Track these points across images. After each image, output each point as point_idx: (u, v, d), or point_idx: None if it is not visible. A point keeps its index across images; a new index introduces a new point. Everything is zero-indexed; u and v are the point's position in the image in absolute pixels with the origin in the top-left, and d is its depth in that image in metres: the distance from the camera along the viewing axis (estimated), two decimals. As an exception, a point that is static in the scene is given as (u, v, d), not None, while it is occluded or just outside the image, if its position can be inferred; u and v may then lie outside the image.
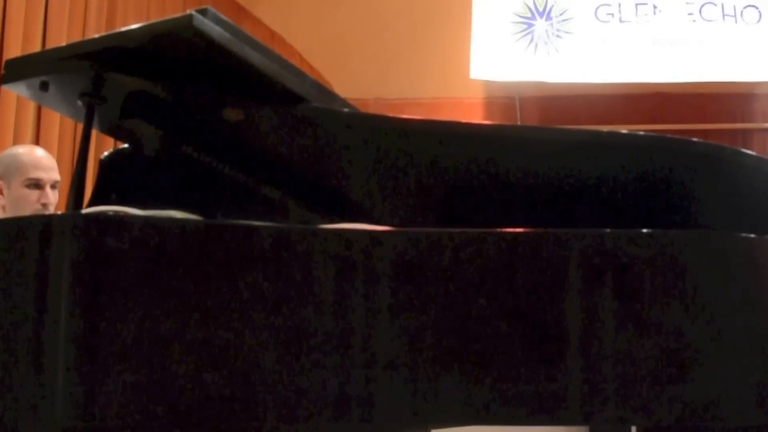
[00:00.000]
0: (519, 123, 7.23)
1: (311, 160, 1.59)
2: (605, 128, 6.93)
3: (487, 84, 6.87)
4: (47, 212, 2.54)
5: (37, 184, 2.58)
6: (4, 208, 2.58)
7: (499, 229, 1.29)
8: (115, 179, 1.80)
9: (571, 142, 1.48)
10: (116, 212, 1.30)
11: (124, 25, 1.46)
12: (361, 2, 6.94)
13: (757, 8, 6.57)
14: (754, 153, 1.50)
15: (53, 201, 2.61)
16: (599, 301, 1.30)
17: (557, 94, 6.98)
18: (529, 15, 6.65)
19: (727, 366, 1.33)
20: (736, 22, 6.56)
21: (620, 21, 6.61)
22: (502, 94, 7.19)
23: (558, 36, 6.59)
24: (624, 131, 1.48)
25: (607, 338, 1.29)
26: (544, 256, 1.28)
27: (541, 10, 6.64)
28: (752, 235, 1.39)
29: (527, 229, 1.31)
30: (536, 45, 6.60)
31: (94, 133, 1.62)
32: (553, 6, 6.64)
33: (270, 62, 1.38)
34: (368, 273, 1.24)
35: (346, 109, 1.51)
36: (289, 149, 1.57)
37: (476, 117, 7.28)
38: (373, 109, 7.35)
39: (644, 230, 1.34)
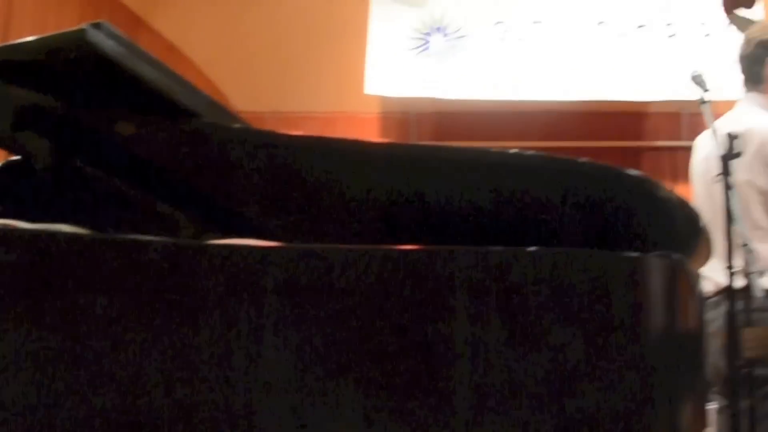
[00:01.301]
0: (414, 138, 7.31)
1: (202, 175, 1.61)
2: (499, 145, 7.14)
3: (383, 99, 6.93)
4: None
5: None
6: None
7: (386, 246, 1.32)
8: (6, 192, 1.78)
9: (462, 161, 1.52)
10: (3, 225, 1.30)
11: (20, 37, 1.46)
12: (259, 16, 6.93)
13: (649, 30, 6.80)
14: (636, 173, 1.55)
15: None
16: (484, 318, 1.33)
17: (453, 110, 7.08)
18: (426, 31, 6.72)
19: (611, 385, 1.38)
20: (628, 42, 6.78)
21: (516, 39, 6.74)
22: (398, 110, 7.27)
23: (453, 52, 6.68)
24: (510, 150, 1.51)
25: (492, 356, 1.32)
26: (431, 274, 1.31)
27: (437, 26, 6.71)
28: (635, 254, 1.44)
29: (414, 246, 1.34)
30: (432, 61, 6.66)
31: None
32: (449, 22, 6.72)
33: (163, 77, 1.40)
34: (255, 289, 1.26)
35: (236, 125, 1.53)
36: (181, 164, 1.58)
37: (371, 132, 7.34)
38: (269, 123, 7.38)
39: (529, 248, 1.38)
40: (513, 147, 5.91)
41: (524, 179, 1.52)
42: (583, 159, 1.53)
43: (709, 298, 2.82)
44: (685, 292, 1.56)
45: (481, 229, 1.53)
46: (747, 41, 3.07)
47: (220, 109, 1.56)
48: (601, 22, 6.78)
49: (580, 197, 1.54)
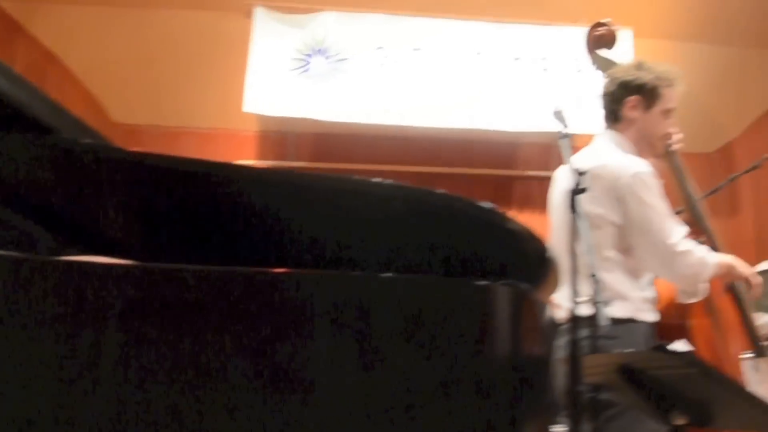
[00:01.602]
0: (292, 159, 7.34)
1: (62, 191, 1.60)
2: (377, 169, 7.22)
3: (262, 118, 6.93)
4: None
5: None
6: None
7: (241, 268, 1.33)
8: None
9: (319, 188, 1.54)
10: None
11: None
12: (140, 27, 6.84)
13: (525, 62, 6.99)
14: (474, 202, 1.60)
15: None
16: (336, 343, 1.35)
17: (332, 132, 7.14)
18: (308, 52, 6.75)
19: (456, 409, 1.43)
20: (504, 73, 6.96)
21: (396, 65, 6.84)
22: (276, 129, 7.29)
23: (334, 75, 6.72)
24: (370, 179, 1.54)
25: (343, 381, 1.35)
26: (286, 297, 1.34)
27: (319, 48, 6.75)
28: (484, 283, 1.48)
29: (270, 270, 1.37)
30: (312, 82, 6.68)
31: None
32: (331, 45, 6.76)
33: (20, 91, 1.40)
34: (101, 307, 1.25)
35: (95, 142, 1.52)
36: (39, 180, 1.57)
37: (249, 150, 7.35)
38: (147, 136, 7.31)
39: (383, 275, 1.41)
40: (391, 171, 6.05)
41: (380, 208, 1.56)
42: (440, 190, 1.57)
43: (562, 324, 2.94)
44: (530, 320, 1.63)
45: (339, 254, 1.56)
46: (611, 80, 3.21)
47: (81, 126, 1.56)
48: (479, 53, 6.94)
49: (434, 226, 1.59)
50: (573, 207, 2.21)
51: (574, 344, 1.93)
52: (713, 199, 8.63)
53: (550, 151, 7.13)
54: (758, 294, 3.16)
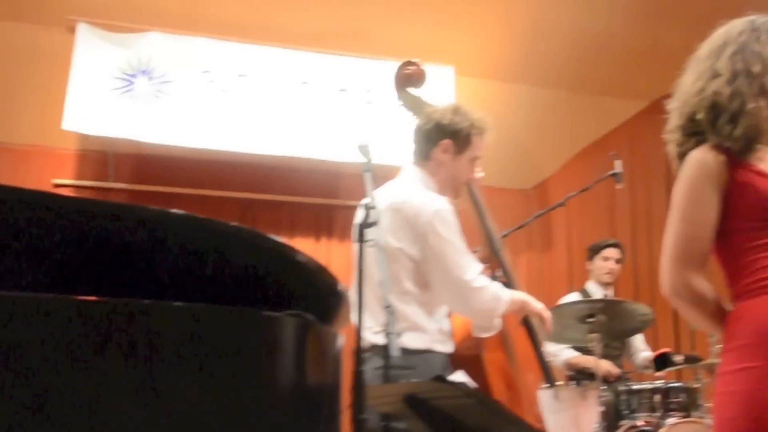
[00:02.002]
0: (111, 179, 7.23)
1: None
2: (198, 193, 7.21)
3: (82, 136, 6.80)
4: None
5: None
6: None
7: (34, 294, 1.35)
8: None
9: (126, 215, 1.57)
10: None
11: None
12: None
13: (349, 94, 7.15)
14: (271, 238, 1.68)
15: None
16: (120, 368, 1.39)
17: (153, 154, 7.08)
18: (132, 72, 6.67)
19: None
20: (329, 104, 7.09)
21: (220, 89, 6.86)
22: (97, 148, 7.17)
23: (157, 97, 6.67)
24: (174, 211, 1.57)
25: (123, 407, 1.39)
26: (73, 323, 1.36)
27: (143, 68, 6.68)
28: (272, 313, 1.56)
29: (63, 296, 1.39)
30: (135, 103, 6.61)
31: None
32: (155, 66, 6.71)
33: None
34: None
35: None
36: None
37: (67, 169, 7.19)
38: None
39: (175, 303, 1.45)
40: (213, 197, 6.04)
41: (185, 238, 1.60)
42: (235, 224, 1.64)
43: (363, 353, 3.05)
44: (317, 350, 1.71)
45: (121, 280, 1.59)
46: (428, 118, 3.31)
47: None
48: (305, 82, 7.05)
49: (223, 257, 1.65)
50: (361, 239, 2.32)
51: (357, 375, 2.03)
52: (529, 234, 9.07)
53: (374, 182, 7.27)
54: (550, 328, 3.35)
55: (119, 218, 1.53)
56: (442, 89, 6.92)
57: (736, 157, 2.27)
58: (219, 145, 6.81)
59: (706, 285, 2.28)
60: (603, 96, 7.83)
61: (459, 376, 2.83)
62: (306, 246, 7.76)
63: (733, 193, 2.26)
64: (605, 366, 5.47)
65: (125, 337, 1.38)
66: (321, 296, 1.82)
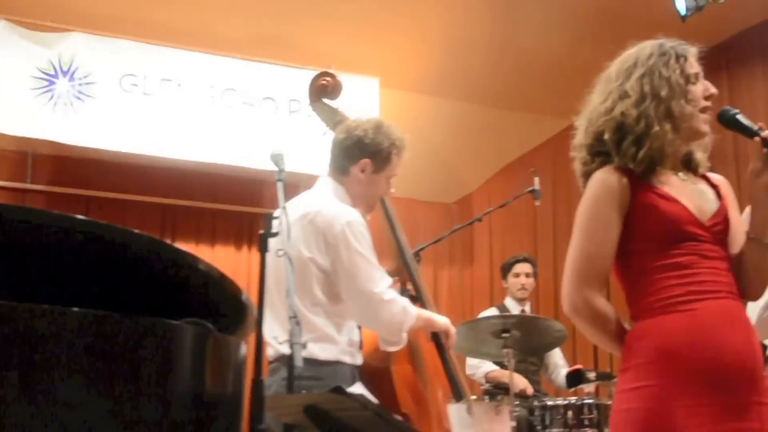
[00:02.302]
0: (29, 180, 7.13)
1: None
2: (119, 197, 7.14)
3: (0, 135, 6.70)
4: None
5: None
6: None
7: None
8: None
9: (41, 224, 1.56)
10: None
11: None
12: None
13: (274, 102, 7.14)
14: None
15: None
16: (9, 376, 1.39)
17: (74, 156, 7.01)
18: (52, 72, 6.58)
19: None
20: (254, 112, 7.09)
21: (143, 93, 6.80)
22: (15, 148, 7.07)
23: (79, 98, 6.59)
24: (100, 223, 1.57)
25: (11, 412, 1.39)
26: None
27: (65, 69, 6.60)
28: (170, 321, 1.57)
29: None
30: (55, 104, 6.53)
31: None
32: (78, 67, 6.63)
33: None
34: None
35: None
36: None
37: (-15, 169, 7.08)
38: None
39: (70, 309, 1.44)
40: (133, 201, 5.96)
41: (86, 244, 1.59)
42: (137, 231, 1.63)
43: (271, 363, 3.07)
44: (216, 359, 1.72)
45: (44, 287, 1.58)
46: (348, 133, 3.30)
47: None
48: (229, 89, 7.03)
49: (127, 263, 1.65)
50: (263, 249, 2.33)
51: (257, 384, 2.04)
52: (451, 249, 9.15)
53: (298, 190, 7.27)
54: (454, 344, 3.39)
55: (18, 222, 1.53)
56: (367, 100, 6.94)
57: (640, 179, 2.33)
58: (141, 149, 6.76)
59: (606, 303, 2.33)
60: (528, 113, 7.93)
61: (358, 389, 2.86)
62: (227, 254, 7.74)
63: (636, 215, 2.32)
64: (521, 382, 5.54)
65: (9, 343, 1.38)
66: (223, 305, 1.83)
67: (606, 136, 2.37)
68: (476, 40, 6.85)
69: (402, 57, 7.19)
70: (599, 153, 2.40)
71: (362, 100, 6.71)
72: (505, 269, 6.20)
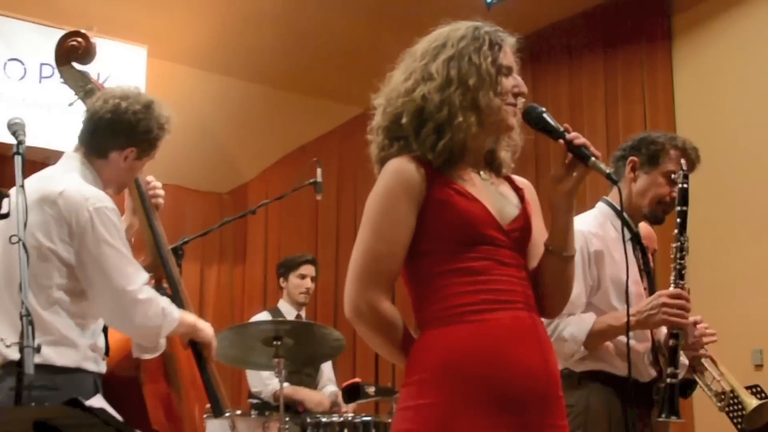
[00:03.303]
0: None
1: None
2: None
3: None
4: None
5: None
6: None
7: None
8: None
9: None
10: None
11: None
12: None
13: (22, 63, 6.84)
14: None
15: None
16: None
17: None
18: None
19: None
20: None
21: None
22: None
23: None
24: None
25: None
26: None
27: None
28: None
29: None
30: None
31: None
32: None
33: None
34: None
35: None
36: None
37: None
38: None
39: None
40: None
41: None
42: None
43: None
44: None
45: None
46: (114, 112, 3.04)
47: None
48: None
49: None
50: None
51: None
52: (222, 244, 8.96)
53: (35, 167, 6.96)
54: (213, 355, 3.24)
55: None
56: (133, 70, 6.76)
57: (438, 172, 2.24)
58: None
59: (393, 309, 2.22)
60: (315, 97, 7.83)
61: (98, 401, 2.65)
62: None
63: (430, 211, 2.21)
64: (315, 397, 5.50)
65: None
66: None
67: (404, 120, 2.26)
68: (259, 14, 6.63)
69: (174, 26, 6.88)
70: (398, 138, 2.28)
71: (128, 69, 6.53)
72: (288, 268, 5.94)
